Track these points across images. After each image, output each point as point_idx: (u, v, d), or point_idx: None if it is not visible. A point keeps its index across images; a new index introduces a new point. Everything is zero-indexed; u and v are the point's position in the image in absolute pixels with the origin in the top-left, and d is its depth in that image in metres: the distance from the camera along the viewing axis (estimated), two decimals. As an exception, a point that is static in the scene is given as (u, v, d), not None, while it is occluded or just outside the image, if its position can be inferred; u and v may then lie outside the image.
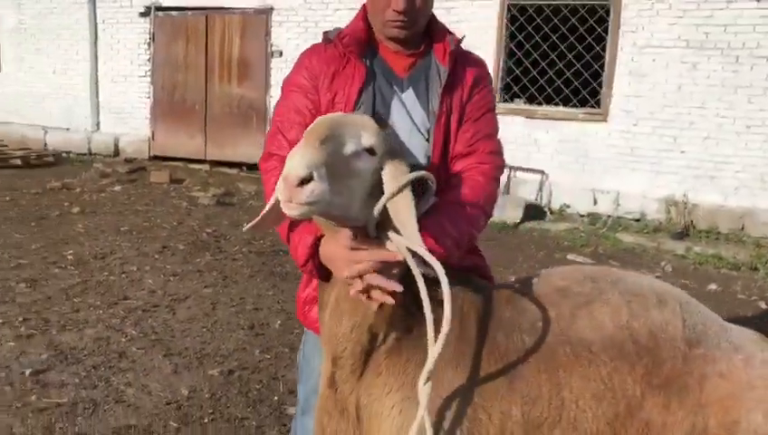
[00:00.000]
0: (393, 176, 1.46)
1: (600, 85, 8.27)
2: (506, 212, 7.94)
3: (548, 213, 8.38)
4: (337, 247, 1.49)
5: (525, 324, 1.63)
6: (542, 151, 8.50)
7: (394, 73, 1.80)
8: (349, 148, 1.39)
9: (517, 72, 8.66)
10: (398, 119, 1.78)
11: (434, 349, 1.42)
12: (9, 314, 4.06)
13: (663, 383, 1.60)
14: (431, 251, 1.49)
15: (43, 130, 11.41)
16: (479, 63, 1.89)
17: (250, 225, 1.51)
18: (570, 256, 6.78)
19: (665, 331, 1.65)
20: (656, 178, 7.97)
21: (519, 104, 8.78)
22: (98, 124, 11.19)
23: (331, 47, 1.78)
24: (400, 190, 1.44)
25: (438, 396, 1.54)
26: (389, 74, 1.80)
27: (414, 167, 1.56)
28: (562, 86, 8.43)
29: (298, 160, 1.28)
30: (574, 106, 8.43)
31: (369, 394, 1.58)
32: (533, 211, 8.25)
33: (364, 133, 1.43)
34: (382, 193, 1.45)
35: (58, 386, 3.25)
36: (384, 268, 1.47)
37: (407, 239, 1.43)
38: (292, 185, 1.25)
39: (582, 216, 8.33)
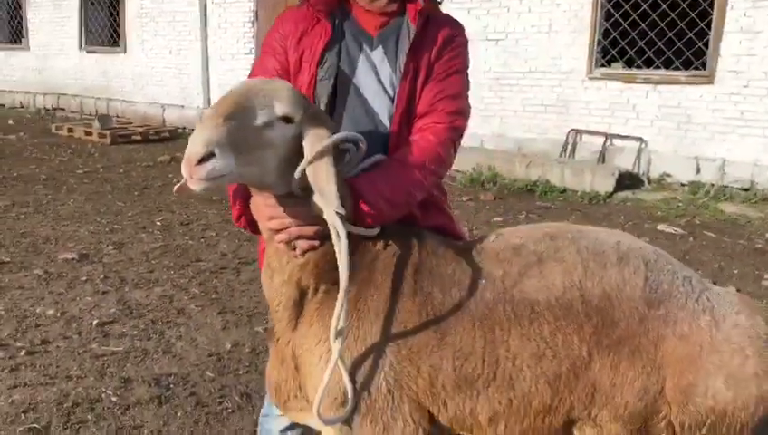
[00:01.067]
0: (311, 142, 1.49)
1: (705, 45, 7.63)
2: (597, 182, 7.60)
3: (646, 182, 7.92)
4: (262, 203, 1.56)
5: (466, 281, 1.62)
6: (640, 118, 8.01)
7: (365, 32, 1.80)
8: (260, 119, 1.42)
9: (615, 34, 8.17)
10: (363, 78, 1.79)
11: (337, 306, 1.47)
12: (93, 273, 4.51)
13: (614, 344, 1.56)
14: (363, 212, 1.54)
15: (161, 108, 12.31)
16: (453, 25, 1.85)
17: (176, 187, 1.59)
18: (660, 227, 6.39)
19: (621, 290, 1.59)
20: (769, 144, 7.28)
21: (617, 68, 8.30)
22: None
23: (303, 8, 1.83)
24: (317, 157, 1.47)
25: (364, 346, 1.58)
26: (360, 33, 1.81)
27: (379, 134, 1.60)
28: (664, 48, 7.86)
29: (196, 139, 1.33)
30: (677, 69, 7.84)
31: (302, 345, 1.64)
32: (629, 180, 7.82)
33: (278, 102, 1.45)
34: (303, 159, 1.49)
35: (117, 337, 3.60)
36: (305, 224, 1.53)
37: (323, 203, 1.46)
38: (192, 164, 1.32)
39: (683, 185, 7.78)
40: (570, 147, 8.45)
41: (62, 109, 13.69)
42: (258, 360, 3.39)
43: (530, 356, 1.55)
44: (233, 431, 2.78)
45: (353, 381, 1.55)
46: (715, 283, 4.85)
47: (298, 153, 1.50)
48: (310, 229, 1.53)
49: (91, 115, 12.64)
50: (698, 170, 7.71)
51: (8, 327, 3.63)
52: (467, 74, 1.86)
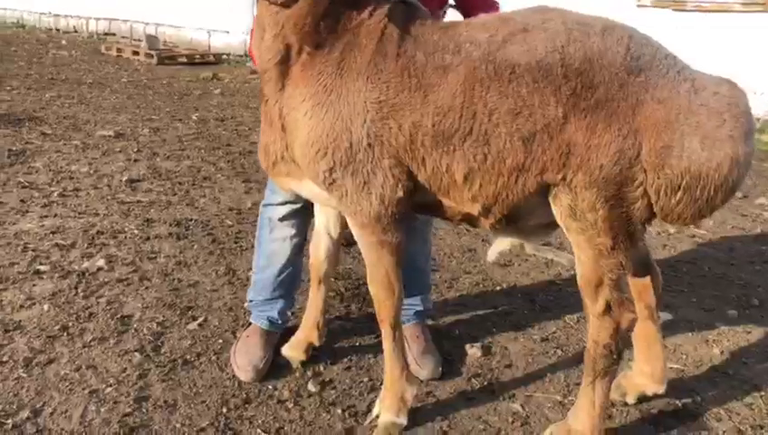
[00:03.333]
0: None
1: (764, -31, 7.27)
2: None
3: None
4: None
5: (451, 45, 1.64)
6: (690, 48, 7.72)
7: None
8: None
9: (669, -42, 7.85)
10: None
11: None
12: (127, 147, 4.68)
13: (591, 106, 1.56)
14: None
15: (207, 34, 12.43)
16: None
17: None
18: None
19: (603, 56, 1.59)
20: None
21: (668, -5, 7.99)
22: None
23: None
24: None
25: (346, 103, 1.62)
26: None
27: None
28: (720, -28, 7.52)
29: None
30: (732, -5, 7.51)
31: (288, 105, 1.70)
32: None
33: None
34: None
35: (144, 191, 3.75)
36: None
37: None
38: None
39: (729, 118, 7.53)
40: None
41: (113, 34, 13.95)
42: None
43: (506, 112, 1.57)
44: (244, 262, 2.89)
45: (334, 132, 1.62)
46: (746, 196, 4.78)
47: None
48: None
49: (140, 40, 12.86)
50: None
51: (44, 177, 3.82)
52: None
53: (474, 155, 1.61)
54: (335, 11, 1.63)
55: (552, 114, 1.57)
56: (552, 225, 1.75)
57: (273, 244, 2.19)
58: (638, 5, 7.97)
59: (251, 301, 2.26)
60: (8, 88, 6.62)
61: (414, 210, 1.85)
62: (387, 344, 1.88)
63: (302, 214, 2.15)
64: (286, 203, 2.13)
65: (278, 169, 1.80)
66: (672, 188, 1.59)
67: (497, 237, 1.95)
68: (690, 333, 2.64)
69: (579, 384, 2.18)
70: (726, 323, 2.74)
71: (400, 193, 1.66)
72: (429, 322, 2.54)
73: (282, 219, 2.14)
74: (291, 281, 2.21)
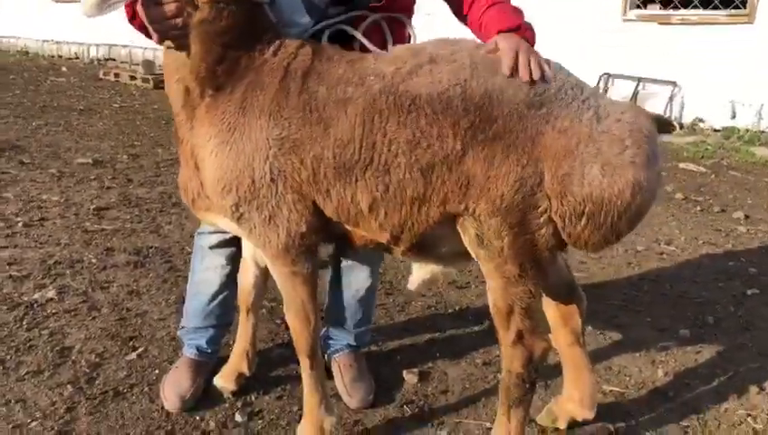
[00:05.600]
0: None
1: (747, -19, 7.28)
2: (624, 124, 7.39)
3: (677, 127, 7.66)
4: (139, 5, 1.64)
5: (355, 78, 1.66)
6: (675, 61, 7.72)
7: None
8: None
9: (652, -27, 7.88)
10: None
11: None
12: (103, 175, 4.73)
13: (489, 139, 1.58)
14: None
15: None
16: None
17: None
18: (682, 165, 6.23)
19: (504, 92, 1.61)
20: (810, 87, 6.93)
21: (653, 9, 8.01)
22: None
23: None
24: None
25: (249, 140, 1.65)
26: None
27: None
28: (703, -15, 7.54)
29: None
30: (715, 8, 7.52)
31: (197, 144, 1.73)
32: (659, 126, 7.57)
33: None
34: None
35: (111, 219, 3.79)
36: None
37: None
38: None
39: (717, 130, 7.50)
40: (601, 91, 8.24)
41: (113, 59, 14.15)
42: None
43: (405, 143, 1.58)
44: (197, 290, 2.90)
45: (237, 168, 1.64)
46: (723, 210, 4.74)
47: None
48: (166, 22, 1.61)
49: (138, 65, 13.04)
50: (734, 115, 7.40)
51: (13, 207, 3.87)
52: None
53: (376, 185, 1.62)
54: (232, 55, 1.67)
55: (449, 146, 1.58)
56: (469, 253, 1.76)
57: (205, 272, 2.21)
58: (624, 20, 8.00)
59: (182, 327, 2.28)
60: (-3, 117, 6.72)
61: (329, 240, 1.87)
62: (304, 375, 1.88)
63: (233, 243, 2.17)
64: (216, 232, 2.15)
65: (197, 204, 1.83)
66: (576, 215, 1.60)
67: (415, 265, 1.95)
68: (638, 354, 2.62)
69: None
70: (677, 344, 2.72)
71: (305, 226, 1.68)
72: (373, 347, 2.54)
73: (212, 247, 2.17)
74: (222, 310, 2.22)
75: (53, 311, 2.65)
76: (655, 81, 7.84)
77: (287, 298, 1.82)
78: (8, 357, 2.30)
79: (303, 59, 1.70)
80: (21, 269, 3.01)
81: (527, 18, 1.83)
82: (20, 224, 3.57)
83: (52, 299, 2.74)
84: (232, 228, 1.85)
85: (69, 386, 2.16)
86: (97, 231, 3.57)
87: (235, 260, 2.21)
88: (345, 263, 2.27)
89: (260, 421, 2.06)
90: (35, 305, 2.68)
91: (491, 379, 2.37)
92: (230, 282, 2.21)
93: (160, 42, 1.67)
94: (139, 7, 1.63)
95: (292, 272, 1.76)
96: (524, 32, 1.76)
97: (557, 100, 1.62)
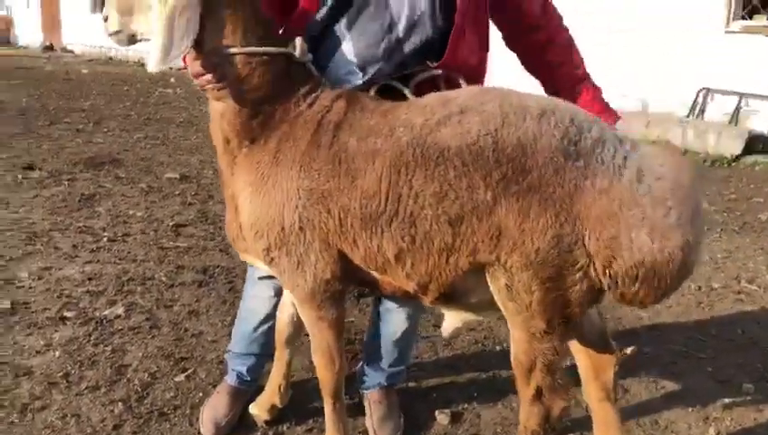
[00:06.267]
0: None
1: None
2: (722, 144, 6.99)
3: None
4: (188, 59, 1.77)
5: (385, 129, 1.70)
6: (785, 75, 7.21)
7: None
8: None
9: (760, -18, 7.39)
10: None
11: None
12: (187, 190, 5.03)
13: (523, 191, 1.56)
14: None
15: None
16: None
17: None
18: (783, 191, 5.80)
19: (537, 141, 1.59)
20: None
21: (761, 20, 7.50)
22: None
23: None
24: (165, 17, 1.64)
25: (280, 190, 1.73)
26: None
27: None
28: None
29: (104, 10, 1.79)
30: (831, 18, 6.95)
31: (236, 189, 1.84)
32: (762, 144, 7.10)
33: None
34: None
35: (186, 236, 4.03)
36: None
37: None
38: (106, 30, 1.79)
39: (828, 152, 6.93)
40: (699, 107, 7.81)
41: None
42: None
43: (431, 196, 1.60)
44: (252, 312, 3.04)
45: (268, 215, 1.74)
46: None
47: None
48: (203, 77, 1.73)
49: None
50: None
51: (102, 221, 4.19)
52: None
53: (402, 236, 1.65)
54: (266, 109, 1.75)
55: (480, 198, 1.58)
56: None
57: (252, 300, 2.32)
58: (727, 32, 7.54)
59: (228, 351, 2.40)
60: (105, 130, 7.28)
61: (360, 286, 1.92)
62: (327, 412, 1.95)
63: (282, 275, 2.26)
64: (266, 263, 2.25)
65: (238, 244, 1.94)
66: (630, 279, 1.57)
67: (447, 313, 1.96)
68: (691, 409, 2.49)
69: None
70: (737, 399, 2.56)
71: (330, 273, 1.74)
72: (411, 383, 2.57)
73: (261, 278, 2.27)
74: (265, 339, 2.32)
75: (119, 328, 2.86)
76: (758, 96, 7.33)
77: (314, 340, 1.89)
78: (73, 371, 2.51)
79: (338, 111, 1.75)
80: (98, 284, 3.27)
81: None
82: (105, 239, 3.87)
83: (119, 316, 2.96)
84: (267, 270, 1.94)
85: (120, 404, 2.33)
86: (171, 248, 3.81)
87: (282, 293, 2.30)
88: (384, 305, 2.31)
89: (288, 453, 2.14)
90: (104, 321, 2.90)
91: (526, 425, 2.33)
92: (275, 313, 2.30)
93: (202, 88, 1.78)
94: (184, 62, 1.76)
95: (318, 316, 1.82)
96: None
97: (594, 153, 1.58)
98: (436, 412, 2.37)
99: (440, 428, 2.31)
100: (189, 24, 1.65)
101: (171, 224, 4.19)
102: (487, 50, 2.03)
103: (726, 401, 2.54)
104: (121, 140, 6.74)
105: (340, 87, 1.84)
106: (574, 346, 1.97)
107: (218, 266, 3.57)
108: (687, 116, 7.78)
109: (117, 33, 1.79)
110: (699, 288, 3.64)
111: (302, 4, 1.88)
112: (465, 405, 2.44)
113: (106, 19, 1.80)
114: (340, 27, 1.89)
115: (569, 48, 2.06)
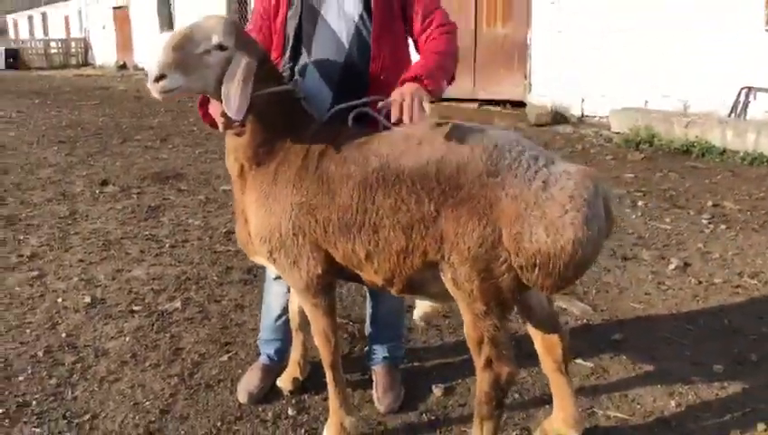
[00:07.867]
0: (233, 65, 2.11)
1: None
2: (762, 143, 7.09)
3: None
4: (214, 105, 2.24)
5: (360, 158, 2.17)
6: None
7: None
8: (201, 48, 2.07)
9: (797, -20, 7.42)
10: (327, 8, 2.41)
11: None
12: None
13: (458, 202, 2.01)
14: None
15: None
16: None
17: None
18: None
19: (469, 163, 2.03)
20: None
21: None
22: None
23: None
24: (228, 78, 2.08)
25: (278, 203, 2.22)
26: None
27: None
28: None
29: (152, 64, 2.03)
30: None
31: (246, 204, 2.34)
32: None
33: (214, 35, 2.08)
34: None
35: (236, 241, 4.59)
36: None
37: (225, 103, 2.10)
38: (151, 81, 2.01)
39: None
40: (741, 106, 7.89)
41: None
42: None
43: (389, 208, 2.06)
44: (288, 306, 3.56)
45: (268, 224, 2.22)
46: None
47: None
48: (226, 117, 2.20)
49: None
50: None
51: (165, 230, 4.83)
52: None
53: (368, 241, 2.11)
54: (270, 139, 2.24)
55: (426, 209, 2.03)
56: (452, 292, 2.19)
57: (270, 296, 2.83)
58: (767, 29, 7.61)
59: (259, 338, 2.92)
60: (170, 146, 8.02)
61: (345, 280, 2.39)
62: (328, 381, 2.42)
63: (294, 275, 2.76)
64: (280, 265, 2.76)
65: (248, 249, 2.44)
66: (530, 266, 1.97)
67: (417, 302, 2.42)
68: (659, 386, 2.83)
69: (517, 425, 2.57)
70: (706, 379, 2.88)
71: (320, 269, 2.22)
72: (415, 363, 3.02)
73: (275, 278, 2.77)
74: (284, 328, 2.82)
75: (177, 319, 3.43)
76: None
77: (313, 324, 2.37)
78: (139, 353, 3.09)
79: (322, 143, 2.24)
80: (161, 283, 3.86)
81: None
82: (167, 245, 4.49)
83: (177, 309, 3.53)
84: (272, 269, 2.43)
85: (175, 377, 2.88)
86: (223, 252, 4.38)
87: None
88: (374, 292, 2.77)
89: (306, 416, 2.63)
90: (165, 314, 3.48)
91: (509, 396, 2.74)
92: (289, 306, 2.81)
93: (224, 130, 2.29)
94: (211, 108, 2.26)
95: (313, 304, 2.30)
96: (423, 81, 2.16)
97: (511, 169, 2.00)
98: (433, 386, 2.81)
99: (435, 398, 2.75)
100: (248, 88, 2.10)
101: (224, 231, 4.78)
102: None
103: (694, 380, 2.87)
104: (184, 156, 7.45)
105: (329, 122, 2.31)
106: (530, 329, 2.39)
107: (261, 267, 4.10)
108: (729, 115, 7.87)
109: (169, 91, 2.03)
110: (699, 283, 3.92)
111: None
112: (459, 380, 2.87)
113: (158, 79, 2.04)
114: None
115: (435, 49, 2.37)
